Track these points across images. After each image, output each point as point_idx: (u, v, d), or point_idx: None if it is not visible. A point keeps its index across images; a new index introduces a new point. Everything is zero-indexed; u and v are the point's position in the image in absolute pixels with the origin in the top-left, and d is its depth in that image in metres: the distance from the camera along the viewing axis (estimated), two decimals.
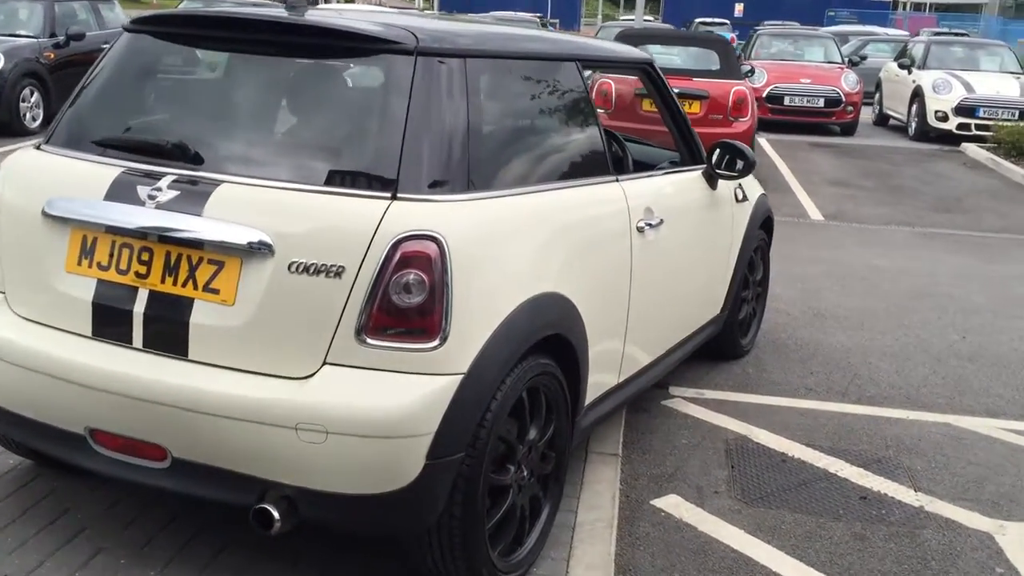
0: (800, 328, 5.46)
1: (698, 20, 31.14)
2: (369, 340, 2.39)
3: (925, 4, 52.90)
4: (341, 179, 2.52)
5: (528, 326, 2.62)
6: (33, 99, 10.96)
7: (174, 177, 2.59)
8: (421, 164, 2.51)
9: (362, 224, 2.41)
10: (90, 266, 2.63)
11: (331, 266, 2.39)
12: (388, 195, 2.45)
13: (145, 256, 2.57)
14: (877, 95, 16.54)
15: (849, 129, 14.73)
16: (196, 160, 2.63)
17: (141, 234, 2.56)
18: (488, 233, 2.58)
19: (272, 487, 2.45)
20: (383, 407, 2.35)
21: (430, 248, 2.40)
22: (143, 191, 2.58)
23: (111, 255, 2.60)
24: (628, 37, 10.00)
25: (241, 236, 2.44)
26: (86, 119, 2.92)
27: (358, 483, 2.39)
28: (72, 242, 2.66)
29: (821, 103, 14.25)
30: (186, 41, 2.95)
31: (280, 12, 2.76)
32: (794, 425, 4.11)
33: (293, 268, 2.42)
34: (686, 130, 4.11)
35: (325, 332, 2.41)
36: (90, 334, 2.63)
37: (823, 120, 14.47)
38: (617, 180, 3.34)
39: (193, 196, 2.53)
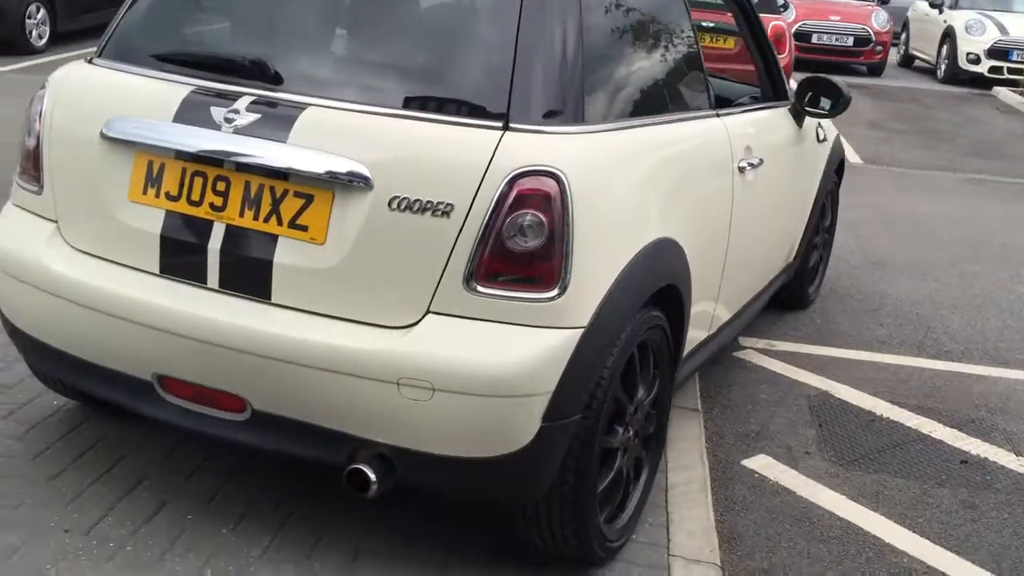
0: (861, 277, 5.21)
1: None
2: (479, 288, 2.12)
3: None
4: (444, 106, 2.23)
5: (647, 275, 2.37)
6: (39, 16, 10.47)
7: (252, 98, 2.30)
8: (535, 91, 2.22)
9: (473, 157, 2.13)
10: (157, 196, 2.35)
11: (438, 203, 2.12)
12: (499, 125, 2.17)
13: (221, 186, 2.29)
14: (904, 35, 16.07)
15: (877, 70, 14.30)
16: (275, 80, 2.33)
17: (216, 161, 2.28)
18: (608, 171, 2.31)
19: (364, 445, 2.21)
20: (498, 363, 2.09)
21: (549, 186, 2.12)
22: (218, 113, 2.29)
23: (181, 184, 2.33)
24: None
25: (335, 167, 2.16)
26: (145, 29, 2.61)
27: (466, 445, 2.15)
28: (136, 168, 2.38)
29: (850, 42, 13.83)
30: None
31: None
32: (875, 380, 3.89)
33: (394, 204, 2.14)
34: (772, 63, 3.81)
35: (430, 277, 2.14)
36: (157, 271, 2.36)
37: (851, 60, 14.05)
38: (718, 115, 3.05)
39: (276, 120, 2.25)
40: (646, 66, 2.77)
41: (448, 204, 2.12)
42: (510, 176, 2.11)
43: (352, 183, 2.16)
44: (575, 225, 2.13)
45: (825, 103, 3.80)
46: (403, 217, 2.14)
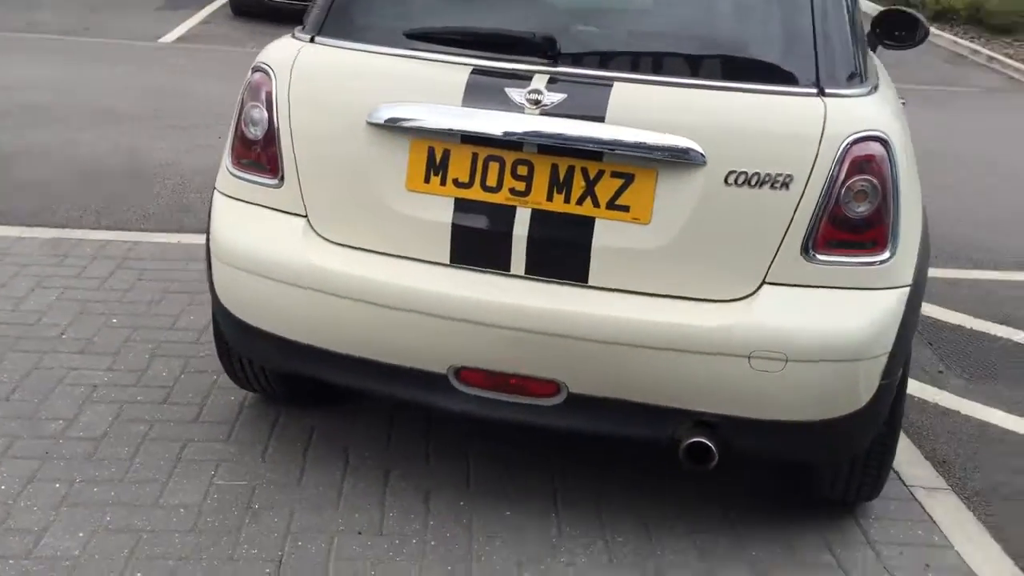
0: None
1: None
2: (818, 255, 2.16)
3: None
4: (756, 74, 2.23)
5: (926, 229, 2.48)
6: None
7: (548, 76, 2.21)
8: (838, 54, 2.26)
9: (807, 127, 2.15)
10: (443, 183, 2.24)
11: (777, 176, 2.13)
12: (814, 91, 2.20)
13: (522, 171, 2.20)
14: None
15: None
16: (558, 55, 2.24)
17: (515, 144, 2.19)
18: (905, 131, 2.38)
19: (687, 417, 2.24)
20: (852, 327, 2.15)
21: (878, 150, 2.17)
22: (516, 94, 2.19)
23: (472, 170, 2.22)
24: None
25: (667, 143, 2.12)
26: (376, 3, 2.43)
27: (813, 409, 2.21)
28: (414, 156, 2.25)
29: None
30: None
31: None
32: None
33: (731, 179, 2.14)
34: None
35: (767, 249, 2.16)
36: (447, 261, 2.26)
37: None
38: None
39: (587, 98, 2.17)
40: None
41: (788, 175, 2.13)
42: (845, 143, 2.14)
43: (683, 160, 2.13)
44: (900, 186, 2.20)
45: None
46: (740, 191, 2.14)
